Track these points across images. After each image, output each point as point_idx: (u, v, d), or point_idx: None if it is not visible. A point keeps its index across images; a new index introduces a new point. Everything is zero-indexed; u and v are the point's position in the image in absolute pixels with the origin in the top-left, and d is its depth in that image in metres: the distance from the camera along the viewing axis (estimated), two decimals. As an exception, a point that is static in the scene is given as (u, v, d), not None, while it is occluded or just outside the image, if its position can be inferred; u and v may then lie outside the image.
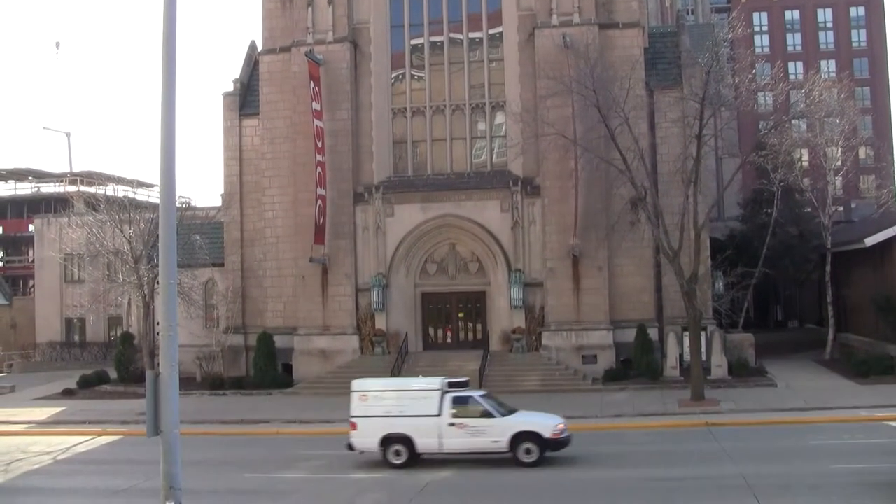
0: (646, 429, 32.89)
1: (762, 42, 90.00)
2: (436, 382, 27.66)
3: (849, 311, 52.01)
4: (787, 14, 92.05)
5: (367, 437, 27.03)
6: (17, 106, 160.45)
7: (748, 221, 57.05)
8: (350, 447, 27.49)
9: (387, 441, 26.80)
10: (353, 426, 27.32)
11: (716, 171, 59.24)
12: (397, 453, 26.67)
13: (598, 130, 40.06)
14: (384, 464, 26.76)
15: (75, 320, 62.21)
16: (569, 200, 43.84)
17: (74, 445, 33.22)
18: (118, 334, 55.25)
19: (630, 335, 43.96)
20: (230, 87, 51.66)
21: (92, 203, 54.18)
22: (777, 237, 51.73)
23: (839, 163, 51.48)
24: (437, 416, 26.64)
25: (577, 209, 43.52)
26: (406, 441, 26.65)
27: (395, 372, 43.06)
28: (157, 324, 19.00)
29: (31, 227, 72.72)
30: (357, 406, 27.48)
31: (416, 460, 26.72)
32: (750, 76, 40.23)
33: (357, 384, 28.41)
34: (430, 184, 47.77)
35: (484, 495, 23.94)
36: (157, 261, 21.61)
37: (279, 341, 47.31)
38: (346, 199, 47.38)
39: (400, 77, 49.22)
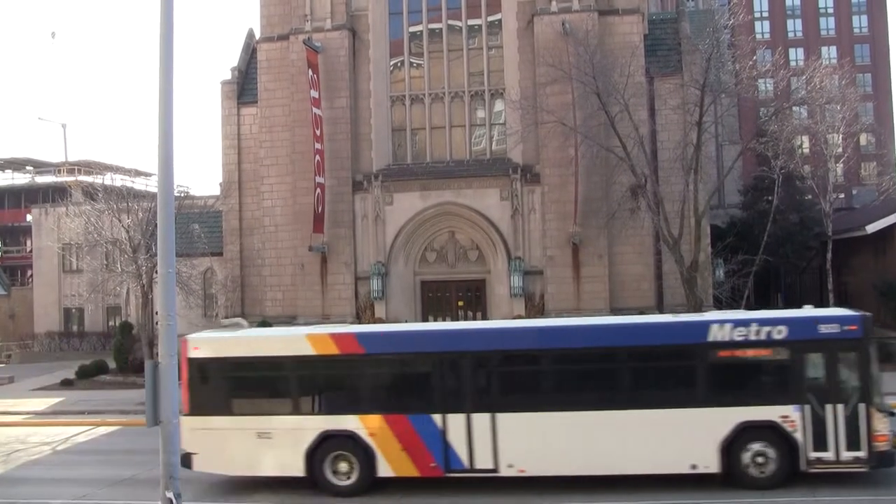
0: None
1: (763, 28, 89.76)
2: None
3: (849, 298, 51.84)
4: (788, 0, 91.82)
5: None
6: (12, 95, 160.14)
7: (749, 209, 56.87)
8: None
9: None
10: None
11: (716, 158, 59.06)
12: None
13: (597, 118, 39.89)
14: None
15: (74, 310, 62.09)
16: (569, 188, 43.69)
17: (74, 435, 33.04)
18: (117, 324, 55.06)
19: (630, 323, 43.78)
20: (228, 76, 51.40)
21: (90, 192, 53.93)
22: (778, 224, 51.52)
23: (840, 150, 51.25)
24: None
25: (577, 197, 43.38)
26: None
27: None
28: (156, 313, 18.86)
29: (28, 217, 72.52)
30: None
31: None
32: (750, 63, 40.04)
33: None
34: (430, 172, 47.60)
35: None
36: (156, 250, 21.44)
37: (279, 330, 47.15)
38: (345, 188, 47.20)
39: (399, 65, 49.00)
